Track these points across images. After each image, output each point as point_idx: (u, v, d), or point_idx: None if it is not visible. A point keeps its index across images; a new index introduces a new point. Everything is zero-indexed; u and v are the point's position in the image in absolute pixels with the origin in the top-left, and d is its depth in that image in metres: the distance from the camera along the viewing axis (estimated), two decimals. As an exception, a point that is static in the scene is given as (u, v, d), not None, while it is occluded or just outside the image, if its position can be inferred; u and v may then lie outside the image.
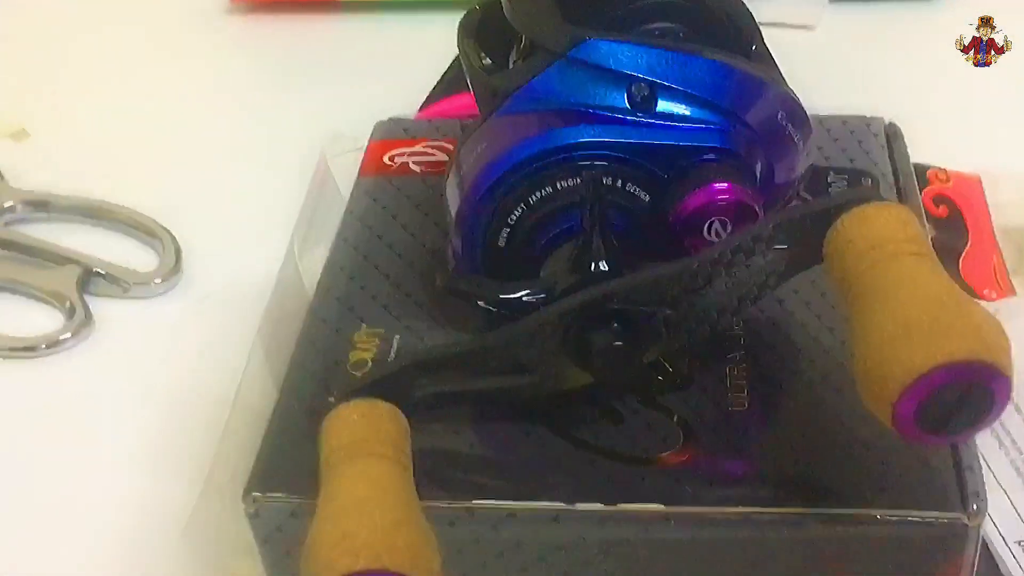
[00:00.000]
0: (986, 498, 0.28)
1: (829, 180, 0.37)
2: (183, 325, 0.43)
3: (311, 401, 0.31)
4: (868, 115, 0.41)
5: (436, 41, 0.42)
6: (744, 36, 0.32)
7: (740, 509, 0.28)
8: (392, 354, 0.33)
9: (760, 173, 0.31)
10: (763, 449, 0.29)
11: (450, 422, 0.30)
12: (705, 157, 0.30)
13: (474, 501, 0.28)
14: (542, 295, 0.28)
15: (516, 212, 0.30)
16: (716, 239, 0.29)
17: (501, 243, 0.30)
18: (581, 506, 0.28)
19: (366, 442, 0.27)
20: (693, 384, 0.31)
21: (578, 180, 0.29)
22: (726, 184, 0.29)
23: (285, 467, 0.30)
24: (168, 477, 0.37)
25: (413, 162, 0.40)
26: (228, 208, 0.48)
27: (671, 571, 0.29)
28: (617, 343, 0.27)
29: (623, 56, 0.30)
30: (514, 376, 0.29)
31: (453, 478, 0.29)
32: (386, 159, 0.40)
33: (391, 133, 0.41)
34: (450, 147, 0.40)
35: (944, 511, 0.27)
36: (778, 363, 0.32)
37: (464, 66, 0.32)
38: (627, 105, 0.30)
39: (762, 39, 0.33)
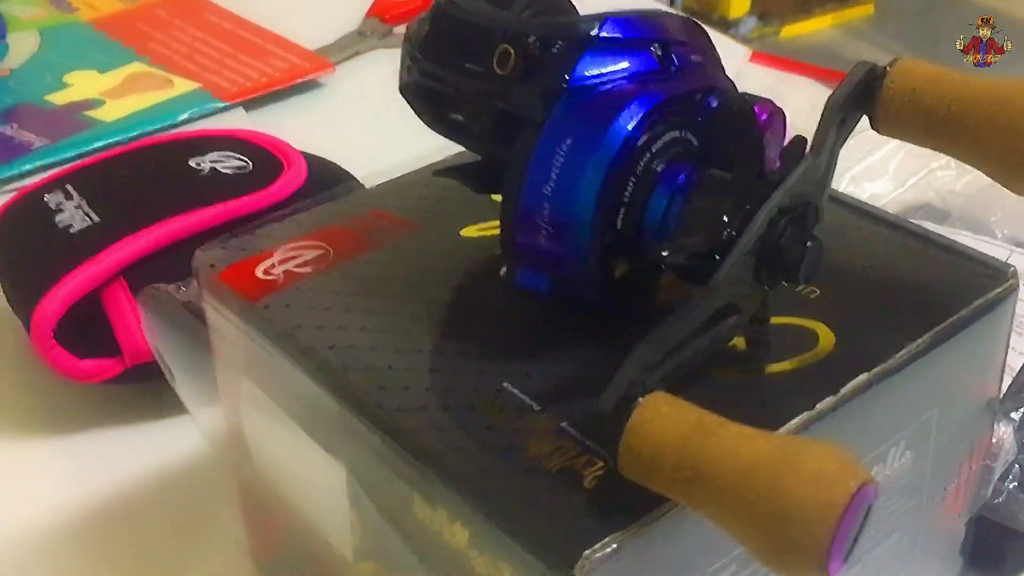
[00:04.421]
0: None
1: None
2: None
3: (501, 464, 0.29)
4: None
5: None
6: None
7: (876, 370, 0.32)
8: (520, 393, 0.31)
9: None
10: (849, 321, 0.33)
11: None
12: (711, 96, 0.33)
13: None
14: (733, 233, 0.29)
15: (628, 189, 0.30)
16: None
17: (619, 225, 0.30)
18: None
19: (701, 419, 0.26)
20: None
21: (678, 134, 0.31)
22: (755, 106, 0.33)
23: (562, 523, 0.27)
24: None
25: (293, 267, 0.36)
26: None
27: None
28: (809, 243, 0.30)
29: (637, 25, 0.32)
30: (722, 323, 0.30)
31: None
32: (260, 275, 0.36)
33: (231, 257, 0.37)
34: (309, 243, 0.37)
35: (997, 285, 0.34)
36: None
37: (485, 82, 0.31)
38: (658, 66, 0.32)
39: None
